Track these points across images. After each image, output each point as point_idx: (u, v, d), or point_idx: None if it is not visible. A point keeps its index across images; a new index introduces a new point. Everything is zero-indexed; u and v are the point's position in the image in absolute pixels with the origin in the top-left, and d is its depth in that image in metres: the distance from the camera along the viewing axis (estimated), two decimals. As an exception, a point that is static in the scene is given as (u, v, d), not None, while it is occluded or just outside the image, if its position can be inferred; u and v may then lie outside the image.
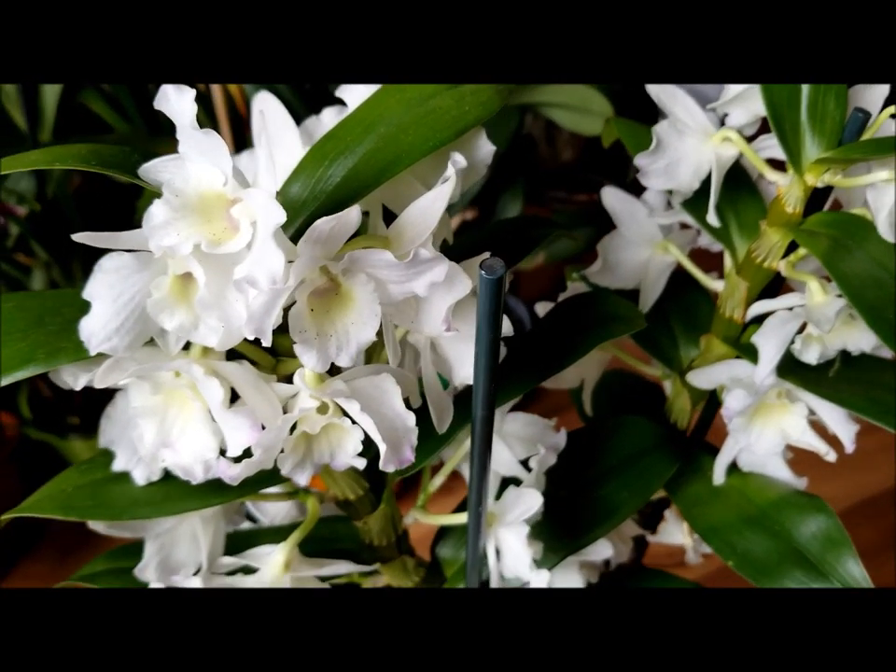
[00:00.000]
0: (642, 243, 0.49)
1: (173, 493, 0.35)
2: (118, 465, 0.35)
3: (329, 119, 0.37)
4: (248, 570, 0.38)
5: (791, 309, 0.41)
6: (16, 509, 0.34)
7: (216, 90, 0.86)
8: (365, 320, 0.28)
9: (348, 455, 0.32)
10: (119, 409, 0.35)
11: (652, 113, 0.75)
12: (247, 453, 0.30)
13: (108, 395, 0.99)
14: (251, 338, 0.27)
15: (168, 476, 0.35)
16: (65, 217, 0.81)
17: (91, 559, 1.09)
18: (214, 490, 0.35)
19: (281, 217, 0.24)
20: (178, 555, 0.39)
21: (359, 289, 0.28)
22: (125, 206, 0.92)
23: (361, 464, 0.32)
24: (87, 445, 0.92)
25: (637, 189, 0.79)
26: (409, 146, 0.32)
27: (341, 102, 0.37)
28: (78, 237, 0.26)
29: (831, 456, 0.43)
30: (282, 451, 0.31)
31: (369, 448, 0.31)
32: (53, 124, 0.90)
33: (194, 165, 0.26)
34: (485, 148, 0.34)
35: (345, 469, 0.33)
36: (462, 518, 0.42)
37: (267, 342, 0.26)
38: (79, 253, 0.83)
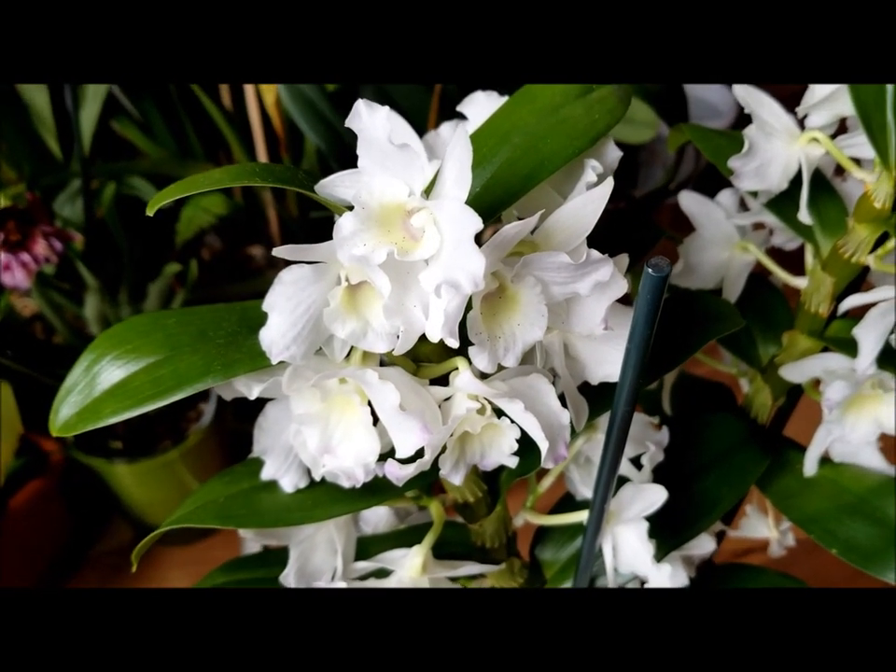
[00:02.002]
0: (721, 243, 0.51)
1: (320, 499, 0.36)
2: (266, 473, 0.36)
3: (447, 133, 0.38)
4: (380, 574, 0.39)
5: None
6: (171, 519, 0.35)
7: (252, 110, 0.88)
8: (532, 321, 0.30)
9: (503, 454, 0.33)
10: (270, 419, 0.35)
11: (686, 120, 0.76)
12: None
13: (148, 421, 0.98)
14: (436, 340, 0.28)
15: (313, 484, 0.36)
16: (114, 243, 0.81)
17: (130, 583, 1.08)
18: (358, 495, 0.36)
19: (478, 223, 0.26)
20: (316, 561, 0.40)
21: (526, 291, 0.29)
22: (164, 232, 0.93)
23: (514, 462, 0.33)
24: (130, 469, 0.92)
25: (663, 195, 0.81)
26: (550, 153, 0.33)
27: (460, 116, 0.38)
28: (278, 251, 0.27)
29: (927, 443, 0.44)
30: (441, 452, 0.32)
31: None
32: (89, 151, 0.90)
33: (376, 178, 0.27)
34: (613, 155, 0.35)
35: (493, 468, 0.34)
36: (574, 517, 0.44)
37: (455, 343, 0.27)
38: (127, 279, 0.84)
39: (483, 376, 0.33)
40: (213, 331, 0.32)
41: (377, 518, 0.48)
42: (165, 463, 0.93)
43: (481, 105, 0.37)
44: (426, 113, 0.81)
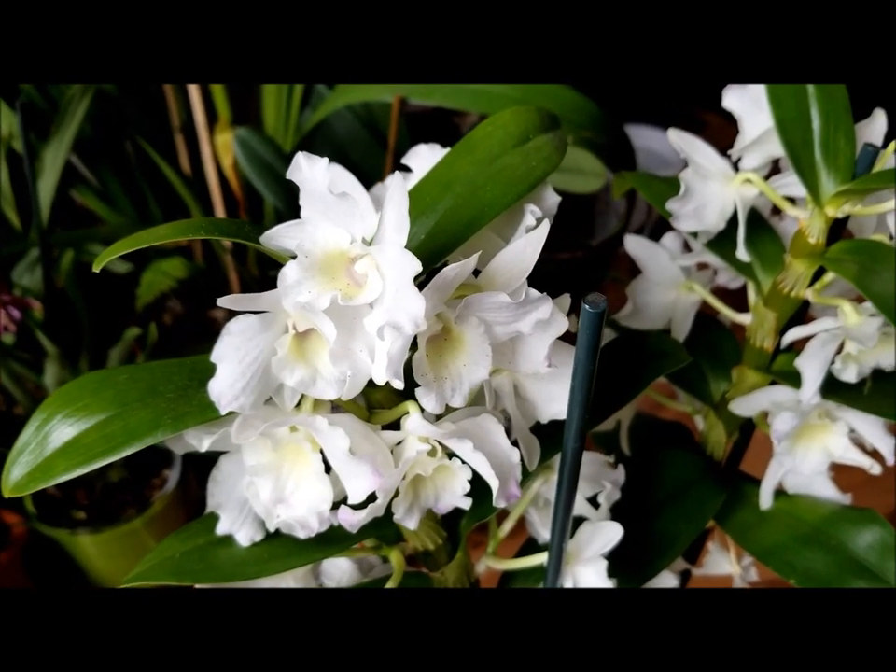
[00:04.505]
0: (667, 284, 0.52)
1: (276, 551, 0.36)
2: (222, 528, 0.36)
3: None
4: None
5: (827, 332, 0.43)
6: (127, 578, 0.35)
7: (210, 173, 0.89)
8: (477, 361, 0.30)
9: (456, 495, 0.33)
10: (224, 472, 0.35)
11: (634, 170, 0.78)
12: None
13: (112, 490, 0.97)
14: (382, 382, 0.28)
15: (269, 537, 0.36)
16: (73, 311, 0.81)
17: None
18: (314, 546, 0.36)
19: (417, 266, 0.26)
20: (276, 616, 0.39)
21: (470, 332, 0.30)
22: (124, 297, 0.93)
23: (467, 504, 0.33)
24: (94, 540, 0.91)
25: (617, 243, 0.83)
26: (490, 200, 0.34)
27: (405, 168, 0.39)
28: (222, 301, 0.27)
29: (875, 469, 0.45)
30: (394, 496, 0.32)
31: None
32: (48, 220, 0.91)
33: (319, 227, 0.28)
34: (551, 200, 0.37)
35: (448, 510, 0.34)
36: (538, 559, 0.44)
37: (400, 384, 0.28)
38: (87, 345, 0.83)
39: (437, 419, 0.34)
40: (163, 386, 0.32)
41: (340, 573, 0.48)
42: (130, 532, 0.92)
43: (424, 158, 0.39)
44: (380, 171, 0.83)
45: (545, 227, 0.32)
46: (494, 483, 0.31)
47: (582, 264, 1.07)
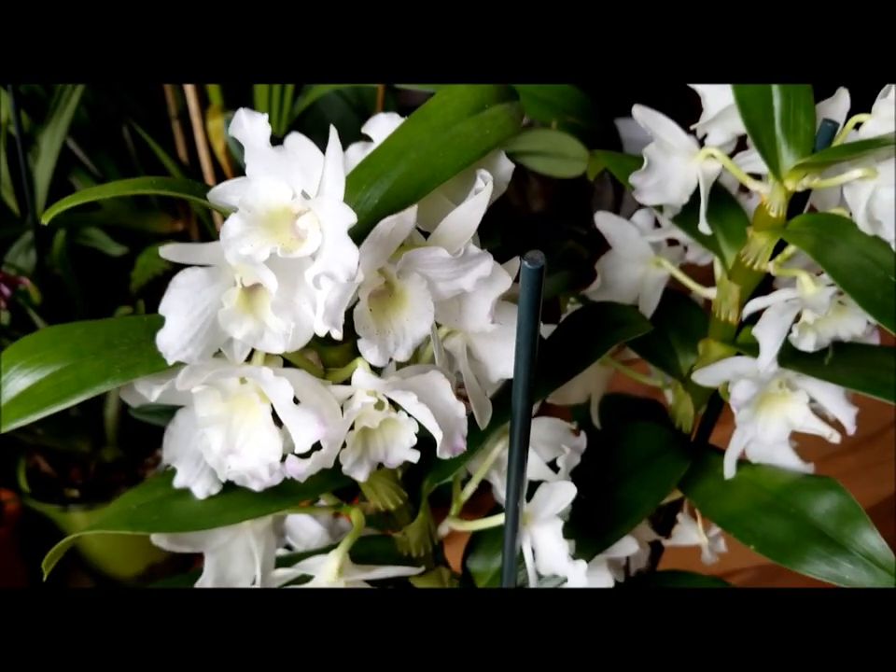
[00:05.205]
0: (636, 260, 0.53)
1: (231, 503, 0.37)
2: (178, 481, 0.37)
3: (355, 153, 0.40)
4: (301, 582, 0.40)
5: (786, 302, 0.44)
6: (86, 528, 0.36)
7: (204, 158, 0.90)
8: (419, 316, 0.31)
9: (404, 448, 0.34)
10: (180, 426, 0.37)
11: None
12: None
13: (105, 468, 0.98)
14: (322, 333, 0.29)
15: (225, 489, 0.37)
16: (66, 291, 0.83)
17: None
18: (269, 499, 0.37)
19: (352, 217, 0.27)
20: (234, 570, 0.40)
21: (413, 288, 0.31)
22: (120, 280, 0.95)
23: (415, 457, 0.34)
24: (87, 517, 0.92)
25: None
26: (441, 166, 0.35)
27: (366, 138, 0.40)
28: (165, 251, 0.28)
29: (835, 438, 0.46)
30: (342, 447, 0.33)
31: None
32: (46, 204, 0.92)
33: (262, 183, 0.29)
34: (505, 167, 0.37)
35: (399, 464, 0.35)
36: (497, 520, 0.45)
37: (339, 334, 0.29)
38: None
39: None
40: (118, 340, 0.33)
41: (309, 536, 0.49)
42: (123, 510, 0.93)
43: (383, 126, 0.39)
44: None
45: (489, 188, 0.33)
46: (438, 435, 0.32)
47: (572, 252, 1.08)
